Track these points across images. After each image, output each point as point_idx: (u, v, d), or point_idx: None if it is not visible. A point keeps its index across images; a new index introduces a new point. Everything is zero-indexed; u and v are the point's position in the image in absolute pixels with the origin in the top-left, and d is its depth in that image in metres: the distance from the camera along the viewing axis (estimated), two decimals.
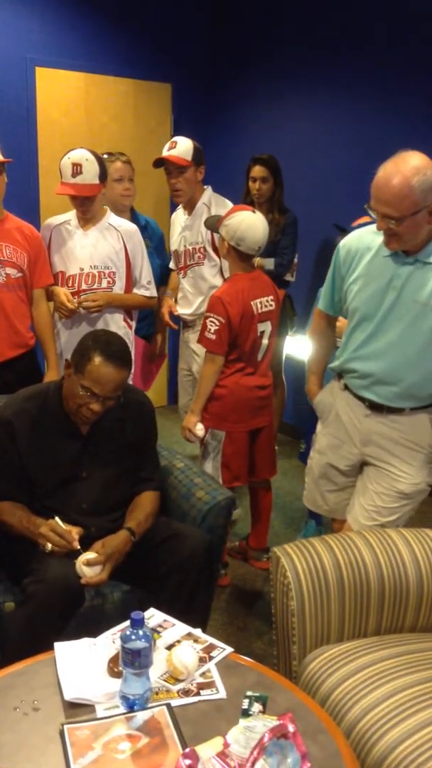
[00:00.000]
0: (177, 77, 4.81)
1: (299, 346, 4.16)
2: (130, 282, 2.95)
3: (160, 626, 1.73)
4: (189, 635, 1.71)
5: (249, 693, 1.48)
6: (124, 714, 1.44)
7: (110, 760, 1.33)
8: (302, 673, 1.79)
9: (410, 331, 2.01)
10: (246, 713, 1.43)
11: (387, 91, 3.84)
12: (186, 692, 1.51)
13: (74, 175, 2.70)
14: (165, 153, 3.07)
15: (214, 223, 2.78)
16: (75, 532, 1.97)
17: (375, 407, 2.14)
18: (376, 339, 2.07)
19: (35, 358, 2.90)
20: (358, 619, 1.87)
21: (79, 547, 1.95)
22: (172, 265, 3.44)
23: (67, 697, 1.46)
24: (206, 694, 1.51)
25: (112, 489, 2.14)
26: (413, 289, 1.99)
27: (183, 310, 3.31)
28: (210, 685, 1.54)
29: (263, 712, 1.44)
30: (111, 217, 2.91)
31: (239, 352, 2.72)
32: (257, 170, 3.75)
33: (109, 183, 3.06)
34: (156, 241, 3.48)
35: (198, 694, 1.51)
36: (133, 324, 3.06)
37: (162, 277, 3.42)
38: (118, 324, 2.92)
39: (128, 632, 1.44)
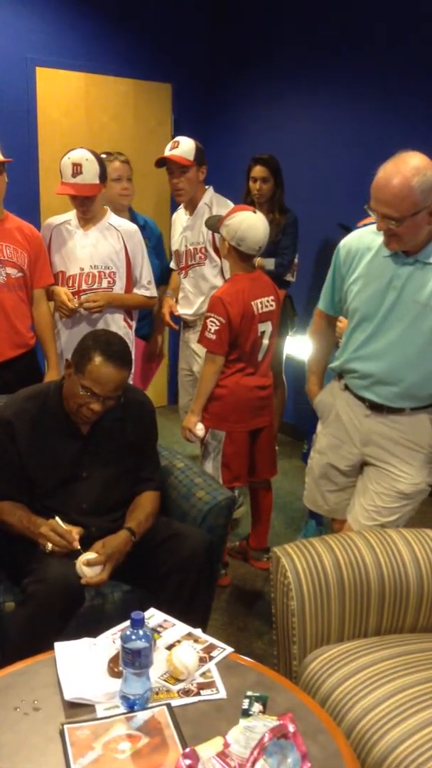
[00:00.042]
0: (177, 77, 4.81)
1: (300, 347, 4.16)
2: (131, 282, 2.94)
3: (161, 626, 1.73)
4: (189, 635, 1.71)
5: (249, 693, 1.48)
6: (124, 714, 1.44)
7: (110, 760, 1.33)
8: (302, 673, 1.79)
9: (410, 331, 2.01)
10: (246, 713, 1.43)
11: (387, 91, 3.84)
12: (186, 692, 1.51)
13: (74, 175, 2.70)
14: (167, 152, 3.07)
15: (214, 223, 2.78)
16: (75, 532, 1.97)
17: (375, 407, 2.14)
18: (377, 339, 2.07)
19: (35, 358, 2.90)
20: (358, 619, 1.87)
21: (79, 547, 1.95)
22: (173, 265, 3.44)
23: (67, 697, 1.46)
24: (206, 694, 1.51)
25: (112, 489, 2.14)
26: (413, 290, 1.99)
27: (184, 311, 3.31)
28: (210, 685, 1.54)
29: (263, 712, 1.44)
30: (111, 217, 2.91)
31: (240, 352, 2.72)
32: (258, 170, 3.75)
33: (108, 182, 3.06)
34: (154, 241, 3.48)
35: (198, 694, 1.51)
36: (134, 324, 3.06)
37: (160, 277, 3.41)
38: (118, 324, 2.92)
39: (128, 632, 1.44)
